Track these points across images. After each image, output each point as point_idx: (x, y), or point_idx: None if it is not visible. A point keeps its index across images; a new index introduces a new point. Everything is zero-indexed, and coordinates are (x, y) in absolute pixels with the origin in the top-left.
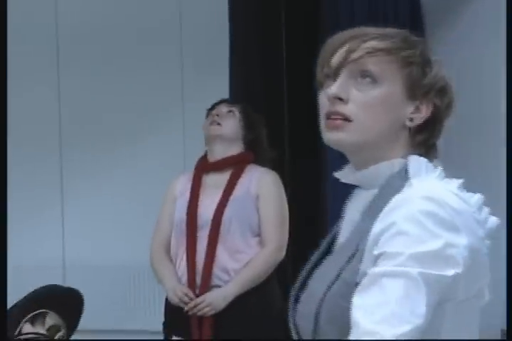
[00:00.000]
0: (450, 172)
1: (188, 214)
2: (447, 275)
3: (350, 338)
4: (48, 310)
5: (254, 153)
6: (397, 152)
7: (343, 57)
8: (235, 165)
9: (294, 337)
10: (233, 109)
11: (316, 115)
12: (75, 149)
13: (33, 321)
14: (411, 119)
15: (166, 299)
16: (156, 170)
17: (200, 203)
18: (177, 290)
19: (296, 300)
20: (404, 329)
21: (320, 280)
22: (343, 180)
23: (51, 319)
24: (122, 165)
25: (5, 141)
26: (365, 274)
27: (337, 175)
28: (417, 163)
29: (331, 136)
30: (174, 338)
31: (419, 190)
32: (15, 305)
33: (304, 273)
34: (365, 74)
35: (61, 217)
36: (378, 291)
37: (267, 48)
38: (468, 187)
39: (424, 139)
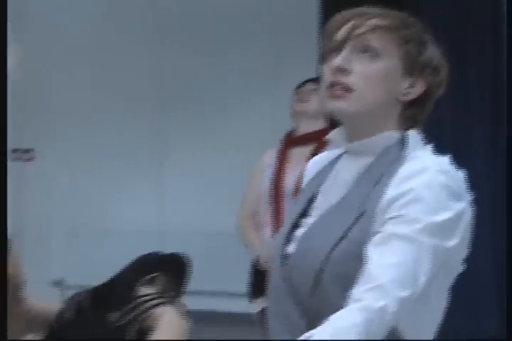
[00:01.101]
0: None
1: (274, 184)
2: (451, 245)
3: (359, 281)
4: (161, 274)
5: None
6: (390, 124)
7: (348, 32)
8: (319, 140)
9: (281, 288)
10: (318, 87)
11: None
12: (175, 118)
13: (148, 284)
14: (405, 94)
15: (252, 263)
16: (248, 141)
17: (285, 175)
18: (266, 256)
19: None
20: (404, 294)
21: (321, 238)
22: (334, 145)
23: (165, 282)
24: (218, 136)
25: (5, 140)
26: (377, 234)
27: (331, 140)
28: (415, 137)
29: (333, 105)
30: (260, 299)
31: (432, 162)
32: (129, 269)
33: (285, 229)
34: (367, 49)
35: (160, 183)
36: (390, 252)
37: None
38: None
39: (414, 114)
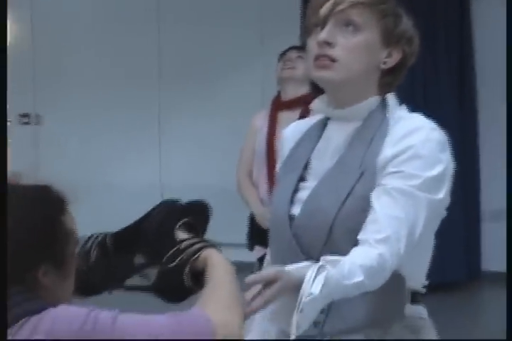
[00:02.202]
0: None
1: (267, 145)
2: (442, 197)
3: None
4: (190, 219)
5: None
6: (370, 90)
7: (331, 8)
8: (305, 104)
9: (291, 247)
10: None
11: None
12: (174, 86)
13: (181, 229)
14: (384, 63)
15: (250, 216)
16: (239, 104)
17: (276, 136)
18: (265, 214)
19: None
20: (405, 247)
21: (328, 198)
22: (319, 114)
23: (194, 227)
24: (211, 102)
25: (5, 139)
26: (380, 186)
27: (315, 109)
28: (393, 100)
29: (319, 74)
30: (258, 247)
31: (423, 120)
32: (158, 214)
33: (285, 193)
34: (348, 23)
35: (159, 145)
36: (393, 204)
37: None
38: None
39: (391, 81)
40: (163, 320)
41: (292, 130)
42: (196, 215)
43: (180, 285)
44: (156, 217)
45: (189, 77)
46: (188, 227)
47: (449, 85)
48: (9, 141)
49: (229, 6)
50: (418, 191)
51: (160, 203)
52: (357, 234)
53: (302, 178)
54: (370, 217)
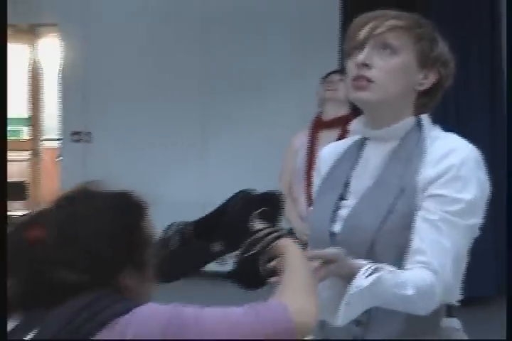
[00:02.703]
0: None
1: (307, 163)
2: (480, 220)
3: (409, 258)
4: (265, 209)
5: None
6: (407, 111)
7: (369, 32)
8: (344, 124)
9: None
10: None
11: None
12: (218, 101)
13: (258, 218)
14: (420, 84)
15: (289, 230)
16: (279, 120)
17: (316, 154)
18: (305, 230)
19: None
20: (448, 275)
21: (369, 215)
22: (357, 134)
23: (269, 217)
24: (254, 116)
25: (5, 139)
26: (420, 207)
27: (353, 130)
28: (427, 120)
29: (357, 95)
30: None
31: (460, 140)
32: (235, 204)
33: (326, 210)
34: (386, 46)
35: (201, 159)
36: (438, 234)
37: None
38: None
39: (427, 102)
40: (241, 311)
41: (329, 151)
42: (271, 205)
43: (257, 272)
44: (235, 206)
45: (231, 94)
46: (264, 216)
47: (481, 95)
48: (60, 158)
49: (272, 27)
50: (461, 220)
51: (237, 193)
52: (398, 250)
53: (342, 197)
54: (416, 246)
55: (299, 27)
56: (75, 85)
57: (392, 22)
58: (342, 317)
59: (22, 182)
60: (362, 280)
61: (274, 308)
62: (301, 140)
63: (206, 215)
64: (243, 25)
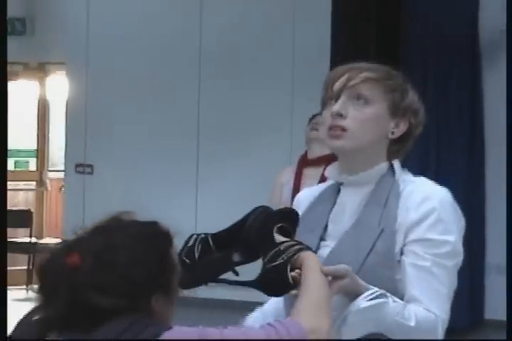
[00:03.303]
0: None
1: (292, 197)
2: (463, 256)
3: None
4: (284, 225)
5: None
6: (380, 157)
7: (344, 83)
8: (328, 162)
9: None
10: None
11: None
12: (210, 144)
13: (278, 232)
14: (392, 133)
15: None
16: (270, 160)
17: (301, 190)
18: None
19: None
20: (445, 316)
21: (350, 253)
22: (333, 180)
23: (287, 232)
24: (243, 158)
25: (5, 140)
26: (406, 252)
27: (329, 176)
28: (398, 165)
29: (333, 143)
30: None
31: (432, 185)
32: (254, 219)
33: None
34: (359, 97)
35: (195, 195)
36: (432, 279)
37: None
38: None
39: (398, 149)
40: (261, 331)
41: (306, 194)
42: (288, 221)
43: (281, 281)
44: (254, 221)
45: (226, 134)
46: (283, 231)
47: (461, 144)
48: (63, 189)
49: (264, 72)
50: (450, 261)
51: (255, 209)
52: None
53: (321, 238)
54: (411, 294)
55: (291, 72)
56: (79, 120)
57: (365, 74)
58: (342, 336)
59: (27, 210)
60: (363, 301)
61: (291, 327)
62: (287, 175)
63: (225, 228)
64: (235, 71)
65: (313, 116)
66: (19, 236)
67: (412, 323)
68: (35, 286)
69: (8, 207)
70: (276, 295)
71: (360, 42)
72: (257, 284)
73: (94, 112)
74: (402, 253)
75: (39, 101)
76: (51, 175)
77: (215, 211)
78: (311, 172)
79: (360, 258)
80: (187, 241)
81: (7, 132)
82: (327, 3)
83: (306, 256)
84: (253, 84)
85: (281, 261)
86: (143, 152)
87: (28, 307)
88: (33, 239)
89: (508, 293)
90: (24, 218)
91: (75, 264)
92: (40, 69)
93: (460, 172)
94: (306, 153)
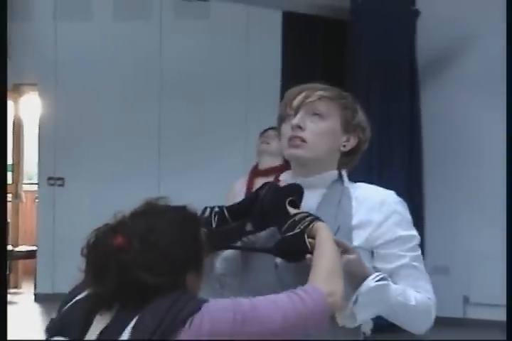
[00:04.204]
0: None
1: None
2: None
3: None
4: (294, 198)
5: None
6: (331, 166)
7: (302, 100)
8: (277, 173)
9: (276, 287)
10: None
11: None
12: (171, 155)
13: (290, 205)
14: (344, 146)
15: None
16: (225, 171)
17: None
18: None
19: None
20: (432, 290)
21: None
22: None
23: (296, 204)
24: (203, 169)
25: (5, 142)
26: (380, 254)
27: (283, 180)
28: (345, 174)
29: (292, 152)
30: None
31: (380, 188)
32: (268, 193)
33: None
34: (316, 112)
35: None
36: (415, 271)
37: None
38: None
39: (348, 161)
40: (286, 297)
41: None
42: (295, 194)
43: (300, 247)
44: (267, 194)
45: (184, 149)
46: (293, 204)
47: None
48: (37, 200)
49: (220, 91)
50: (418, 251)
51: (263, 185)
52: None
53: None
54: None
55: (245, 93)
56: (50, 136)
57: (320, 93)
58: (353, 318)
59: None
60: (371, 282)
61: (313, 293)
62: (240, 185)
63: (238, 202)
64: (194, 88)
65: (265, 131)
66: None
67: (413, 303)
68: (13, 290)
69: None
70: (294, 261)
71: (309, 64)
72: (276, 251)
73: (63, 129)
74: (374, 254)
75: (14, 119)
76: (26, 187)
77: None
78: (261, 182)
79: None
80: (202, 213)
81: (7, 147)
82: (277, 29)
83: (320, 226)
84: (209, 102)
85: (299, 230)
86: (108, 166)
87: (8, 309)
88: (9, 247)
89: (508, 293)
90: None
91: (122, 245)
92: (14, 90)
93: (401, 184)
94: (257, 164)
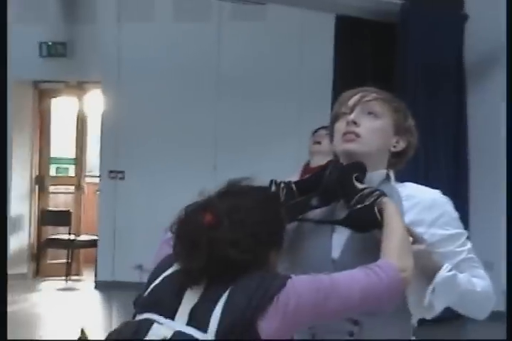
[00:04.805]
0: None
1: None
2: None
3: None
4: (358, 175)
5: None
6: (382, 165)
7: (358, 99)
8: None
9: None
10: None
11: None
12: (227, 150)
13: (356, 181)
14: (394, 147)
15: None
16: (278, 166)
17: None
18: None
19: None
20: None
21: (367, 241)
22: None
23: (361, 180)
24: (259, 164)
25: (5, 142)
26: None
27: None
28: (393, 175)
29: (346, 146)
30: None
31: (429, 189)
32: (335, 170)
33: (323, 240)
34: (370, 112)
35: None
36: (472, 262)
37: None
38: None
39: (396, 162)
40: (363, 273)
41: None
42: (360, 171)
43: (371, 219)
44: (335, 170)
45: (240, 145)
46: (358, 180)
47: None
48: (98, 192)
49: (274, 90)
50: (469, 244)
51: (327, 163)
52: None
53: (332, 230)
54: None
55: (298, 92)
56: (112, 132)
57: (375, 95)
58: (431, 307)
59: (67, 211)
60: (445, 272)
61: (387, 269)
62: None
63: (304, 179)
64: (251, 88)
65: (316, 130)
66: (60, 233)
67: (479, 289)
68: (74, 278)
69: (50, 208)
70: (364, 231)
71: (359, 65)
72: (347, 222)
73: (125, 125)
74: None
75: (78, 115)
76: (88, 180)
77: None
78: None
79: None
80: (269, 187)
81: (6, 145)
82: (330, 31)
83: (387, 201)
84: (264, 101)
85: (368, 202)
86: (167, 160)
87: (68, 295)
88: (72, 236)
89: (508, 293)
90: (64, 218)
91: (212, 223)
92: (78, 87)
93: (446, 183)
94: (308, 162)
